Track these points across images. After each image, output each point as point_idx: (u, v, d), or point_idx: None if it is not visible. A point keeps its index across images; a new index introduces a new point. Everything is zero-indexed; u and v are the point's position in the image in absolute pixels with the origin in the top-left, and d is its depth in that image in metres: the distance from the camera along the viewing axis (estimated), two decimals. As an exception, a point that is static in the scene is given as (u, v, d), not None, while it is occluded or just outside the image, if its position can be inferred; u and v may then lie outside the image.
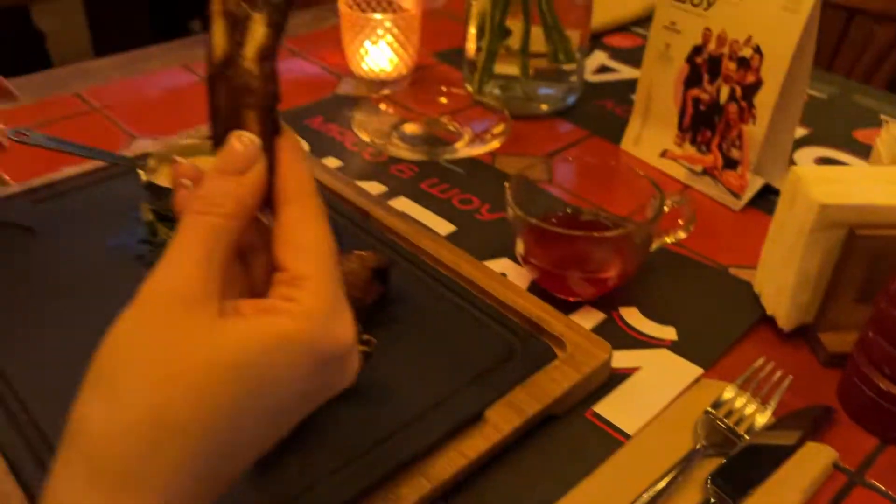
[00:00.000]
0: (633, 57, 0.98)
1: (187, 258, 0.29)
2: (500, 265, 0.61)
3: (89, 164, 0.68)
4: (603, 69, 0.95)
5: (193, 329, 0.28)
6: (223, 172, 0.31)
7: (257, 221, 0.33)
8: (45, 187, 0.65)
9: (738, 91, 0.67)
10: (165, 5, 2.37)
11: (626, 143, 0.78)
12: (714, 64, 0.68)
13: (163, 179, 0.60)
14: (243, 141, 0.32)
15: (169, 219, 0.60)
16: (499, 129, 0.76)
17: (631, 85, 0.91)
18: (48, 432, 0.44)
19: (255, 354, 0.28)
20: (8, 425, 0.44)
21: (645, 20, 1.08)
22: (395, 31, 0.84)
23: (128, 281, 0.55)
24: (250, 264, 0.33)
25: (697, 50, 0.69)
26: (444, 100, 0.83)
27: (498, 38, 0.83)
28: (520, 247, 0.58)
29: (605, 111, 0.86)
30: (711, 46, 0.68)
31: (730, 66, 0.67)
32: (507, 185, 0.57)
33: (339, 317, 0.30)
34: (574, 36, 0.83)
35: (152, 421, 0.27)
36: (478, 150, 0.75)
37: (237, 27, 0.33)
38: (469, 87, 0.87)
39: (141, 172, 0.60)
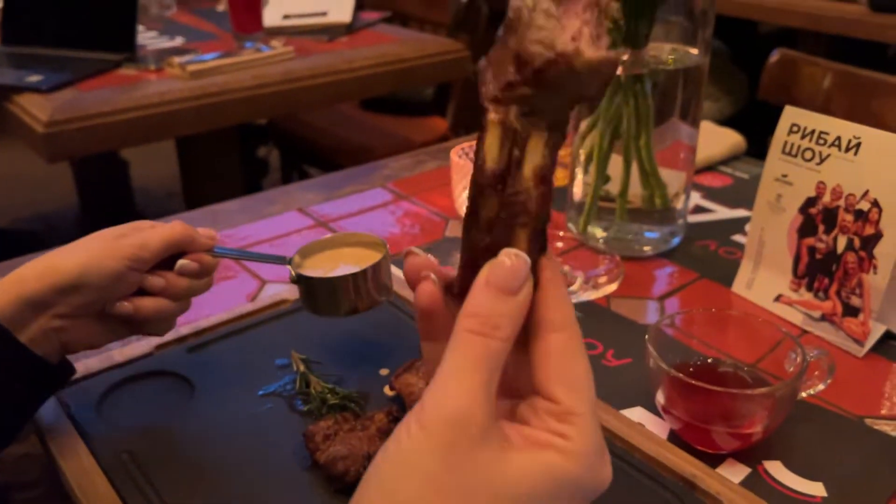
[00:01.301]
0: (726, 196, 1.02)
1: (472, 382, 0.30)
2: (635, 414, 0.63)
3: (232, 312, 0.72)
4: (699, 209, 0.99)
5: (482, 459, 0.30)
6: (497, 290, 0.31)
7: None
8: (193, 335, 0.69)
9: (857, 242, 0.69)
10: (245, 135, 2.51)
11: (738, 287, 0.80)
12: (829, 215, 0.71)
13: (308, 271, 0.62)
14: (519, 261, 0.32)
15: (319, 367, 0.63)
16: (613, 273, 0.79)
17: (731, 225, 0.94)
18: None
19: (530, 488, 0.30)
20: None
21: (731, 159, 1.13)
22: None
23: (282, 430, 0.58)
24: None
25: (811, 201, 0.72)
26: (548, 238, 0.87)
27: (601, 183, 0.88)
28: (660, 397, 0.59)
29: (709, 252, 0.88)
30: (826, 199, 0.71)
31: (846, 218, 0.69)
32: (647, 337, 0.59)
33: (604, 457, 0.33)
34: (679, 177, 0.86)
35: None
36: (594, 295, 0.78)
37: (515, 142, 0.32)
38: (573, 228, 0.91)
39: (290, 268, 0.62)
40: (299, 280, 0.61)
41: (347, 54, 1.69)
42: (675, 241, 0.88)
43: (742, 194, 1.02)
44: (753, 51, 2.40)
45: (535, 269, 0.33)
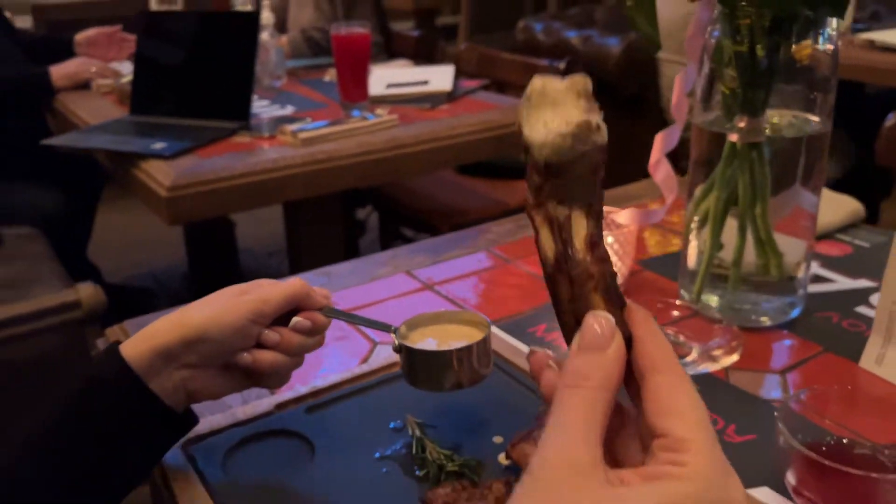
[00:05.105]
0: (846, 265, 0.98)
1: (570, 428, 0.32)
2: (762, 494, 0.60)
3: (347, 373, 0.73)
4: (817, 279, 0.95)
5: (586, 494, 0.31)
6: (588, 350, 0.35)
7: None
8: (311, 395, 0.71)
9: None
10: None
11: (867, 362, 0.76)
12: (969, 288, 0.67)
13: (412, 343, 0.64)
14: (599, 320, 0.36)
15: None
16: (731, 345, 0.77)
17: (854, 296, 0.90)
18: None
19: None
20: None
21: (849, 227, 1.08)
22: (615, 246, 0.88)
23: (400, 496, 0.59)
24: (611, 441, 0.36)
25: (948, 273, 0.69)
26: (660, 307, 0.86)
27: (714, 251, 0.86)
28: (791, 478, 0.57)
29: (832, 324, 0.85)
30: (965, 271, 0.67)
31: None
32: (777, 413, 0.57)
33: (730, 478, 0.32)
34: (800, 246, 0.84)
35: None
36: (711, 367, 0.76)
37: (561, 228, 0.37)
38: (686, 296, 0.89)
39: (394, 337, 0.64)
40: (401, 350, 0.63)
41: (449, 122, 1.74)
42: (795, 312, 0.85)
43: (863, 264, 0.98)
44: (859, 113, 2.32)
45: (622, 322, 0.37)
